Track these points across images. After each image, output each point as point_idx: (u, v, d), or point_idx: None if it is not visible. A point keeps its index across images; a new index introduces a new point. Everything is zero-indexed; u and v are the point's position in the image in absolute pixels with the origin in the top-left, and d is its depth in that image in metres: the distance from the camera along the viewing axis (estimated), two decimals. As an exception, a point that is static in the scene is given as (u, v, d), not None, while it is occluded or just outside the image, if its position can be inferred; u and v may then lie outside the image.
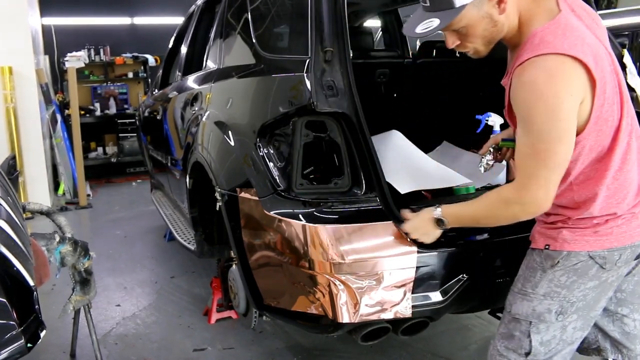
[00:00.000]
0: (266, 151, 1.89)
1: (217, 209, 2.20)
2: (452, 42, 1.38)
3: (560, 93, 1.20)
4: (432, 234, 1.57)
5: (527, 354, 1.40)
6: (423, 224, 1.56)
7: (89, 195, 6.08)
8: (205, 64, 2.88)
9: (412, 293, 1.73)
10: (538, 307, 1.39)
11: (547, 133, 1.23)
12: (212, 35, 2.90)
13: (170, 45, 4.12)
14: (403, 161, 2.27)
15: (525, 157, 1.28)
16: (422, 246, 1.71)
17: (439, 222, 1.52)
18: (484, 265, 1.85)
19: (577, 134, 1.27)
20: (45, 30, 7.34)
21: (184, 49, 3.49)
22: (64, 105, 6.80)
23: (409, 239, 1.63)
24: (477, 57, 1.44)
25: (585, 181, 1.33)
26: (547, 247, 1.38)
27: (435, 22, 1.29)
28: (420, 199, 2.07)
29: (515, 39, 1.34)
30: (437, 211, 1.51)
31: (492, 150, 1.68)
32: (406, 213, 1.65)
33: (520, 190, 1.30)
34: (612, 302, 1.50)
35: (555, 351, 1.42)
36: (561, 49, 1.20)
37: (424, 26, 1.31)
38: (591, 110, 1.25)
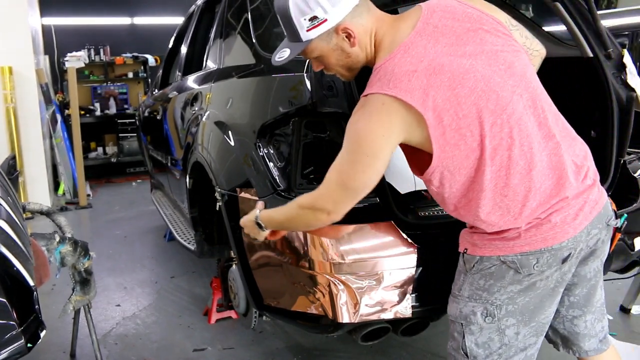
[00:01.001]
0: (266, 151, 1.89)
1: (217, 209, 2.20)
2: (316, 67, 1.47)
3: (374, 132, 1.26)
4: (259, 234, 1.60)
5: (466, 354, 1.41)
6: (249, 222, 1.60)
7: (89, 195, 6.08)
8: (205, 64, 2.89)
9: (412, 293, 1.73)
10: (464, 309, 1.41)
11: (353, 160, 1.30)
12: (212, 35, 2.90)
13: (170, 45, 4.12)
14: (403, 161, 2.27)
15: (331, 172, 1.34)
16: (422, 246, 1.71)
17: (258, 223, 1.56)
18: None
19: (429, 164, 1.30)
20: (45, 30, 7.34)
21: (184, 49, 3.49)
22: (64, 105, 6.80)
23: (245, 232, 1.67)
24: (346, 80, 1.52)
25: (469, 204, 1.32)
26: (465, 251, 1.41)
27: (287, 52, 1.40)
28: (420, 199, 2.08)
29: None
30: (257, 213, 1.57)
31: None
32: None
33: (315, 197, 1.38)
34: (564, 305, 1.49)
35: (500, 354, 1.39)
36: (383, 90, 1.25)
37: (280, 54, 1.41)
38: (430, 140, 1.26)
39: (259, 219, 1.56)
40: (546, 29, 2.70)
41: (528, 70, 1.35)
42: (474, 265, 1.37)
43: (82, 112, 7.05)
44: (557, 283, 1.38)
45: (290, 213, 1.47)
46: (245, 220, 1.62)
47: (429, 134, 1.25)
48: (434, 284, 1.79)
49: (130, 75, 7.94)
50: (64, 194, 6.11)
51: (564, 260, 1.33)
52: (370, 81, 1.32)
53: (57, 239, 2.09)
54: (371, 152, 1.28)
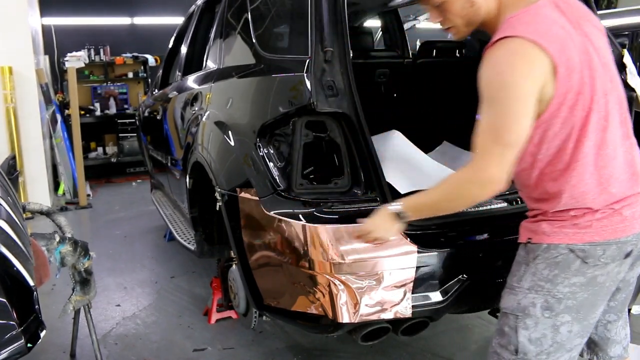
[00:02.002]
0: (266, 151, 1.89)
1: (217, 209, 2.20)
2: (434, 17, 1.45)
3: (519, 73, 1.25)
4: (392, 230, 1.54)
5: (516, 350, 1.39)
6: (382, 220, 1.53)
7: (89, 195, 6.08)
8: (205, 64, 2.89)
9: (412, 293, 1.73)
10: (523, 301, 1.39)
11: (503, 110, 1.27)
12: (212, 35, 2.90)
13: (170, 45, 4.12)
14: (403, 161, 2.28)
15: (481, 135, 1.31)
16: (422, 246, 1.71)
17: (398, 215, 1.50)
18: (483, 265, 1.85)
19: (539, 116, 1.30)
20: (45, 30, 7.34)
21: (184, 49, 3.49)
22: (64, 105, 6.80)
23: (369, 238, 1.59)
24: (459, 39, 1.51)
25: (556, 171, 1.33)
26: (529, 240, 1.39)
27: None
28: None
29: (493, 25, 1.39)
30: (396, 206, 1.50)
31: None
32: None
33: (476, 169, 1.33)
34: (604, 309, 1.48)
35: (548, 353, 1.38)
36: (525, 34, 1.25)
37: None
38: (553, 96, 1.28)
39: (404, 209, 1.48)
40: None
41: (617, 76, 1.42)
42: (539, 254, 1.36)
43: (82, 112, 7.05)
44: (612, 281, 1.38)
45: (450, 192, 1.41)
46: (377, 219, 1.54)
47: (555, 89, 1.27)
48: (433, 285, 1.79)
49: (130, 75, 7.94)
50: (64, 194, 6.11)
51: (627, 255, 1.35)
52: (502, 30, 1.30)
53: (57, 239, 2.08)
54: (522, 96, 1.26)
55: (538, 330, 1.37)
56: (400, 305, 1.71)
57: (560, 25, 1.31)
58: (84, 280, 2.24)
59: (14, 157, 4.95)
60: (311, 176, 1.89)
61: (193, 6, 3.66)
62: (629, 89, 2.02)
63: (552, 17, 1.31)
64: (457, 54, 3.30)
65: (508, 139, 1.28)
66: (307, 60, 1.78)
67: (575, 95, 1.29)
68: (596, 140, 1.31)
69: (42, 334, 1.38)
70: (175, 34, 4.06)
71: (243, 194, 1.98)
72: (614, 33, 2.31)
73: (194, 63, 3.26)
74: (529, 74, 1.25)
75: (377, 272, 1.69)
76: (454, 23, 1.44)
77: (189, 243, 2.99)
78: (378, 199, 1.77)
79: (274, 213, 1.81)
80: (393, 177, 1.99)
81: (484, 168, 1.31)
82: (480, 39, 3.29)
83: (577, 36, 1.32)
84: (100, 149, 7.76)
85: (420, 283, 1.74)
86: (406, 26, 5.21)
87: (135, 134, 6.63)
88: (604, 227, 1.32)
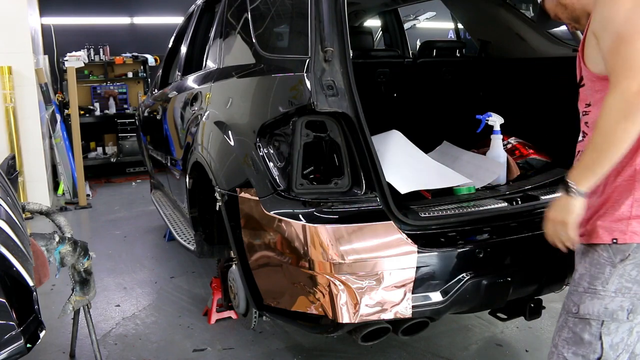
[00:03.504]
0: (266, 151, 1.89)
1: (217, 209, 2.20)
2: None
3: None
4: (575, 214, 1.33)
5: (599, 359, 1.33)
6: (561, 207, 1.35)
7: (88, 195, 6.08)
8: (205, 64, 2.88)
9: (412, 293, 1.73)
10: (610, 305, 1.33)
11: (629, 17, 1.23)
12: (212, 35, 2.90)
13: (170, 45, 4.12)
14: (403, 161, 2.27)
15: (617, 51, 1.23)
16: (422, 246, 1.71)
17: (568, 190, 1.32)
18: (484, 266, 1.85)
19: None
20: (45, 30, 7.34)
21: (183, 49, 3.49)
22: (63, 105, 6.80)
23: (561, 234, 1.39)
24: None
25: None
26: (614, 241, 1.32)
27: None
28: (420, 199, 2.07)
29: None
30: (571, 189, 1.31)
31: None
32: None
33: (620, 84, 1.21)
34: None
35: (617, 357, 1.35)
36: None
37: None
38: None
39: (575, 185, 1.31)
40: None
41: None
42: (629, 255, 1.30)
43: (82, 112, 7.05)
44: None
45: (606, 138, 1.24)
46: (559, 213, 1.35)
47: None
48: (433, 285, 1.79)
49: (130, 75, 7.94)
50: (63, 194, 6.11)
51: None
52: None
53: (57, 239, 2.08)
54: None
55: (618, 335, 1.34)
56: (400, 305, 1.71)
57: None
58: (84, 281, 2.24)
59: (13, 157, 4.93)
60: (311, 176, 1.89)
61: (193, 6, 3.66)
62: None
63: None
64: (457, 54, 3.30)
65: None
66: (307, 60, 1.78)
67: None
68: None
69: (42, 334, 1.38)
70: (175, 34, 4.06)
71: (243, 194, 1.98)
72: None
73: (193, 63, 3.26)
74: None
75: (377, 272, 1.68)
76: (569, 23, 1.49)
77: (188, 243, 2.99)
78: (378, 199, 1.77)
79: (274, 213, 1.81)
80: (393, 177, 1.99)
81: (629, 78, 1.19)
82: (479, 39, 3.29)
83: None
84: (99, 149, 7.76)
85: (420, 283, 1.74)
86: (406, 26, 5.21)
87: (134, 134, 6.63)
88: None
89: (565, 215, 1.34)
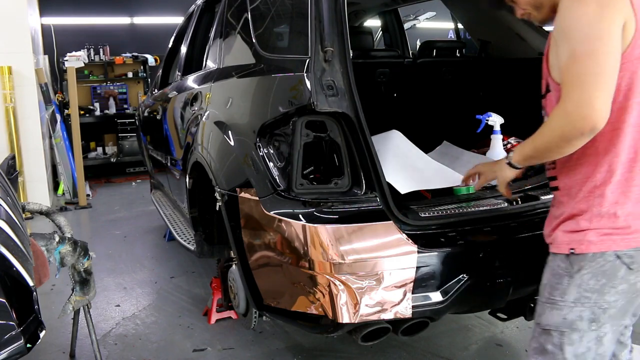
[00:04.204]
0: (266, 151, 1.89)
1: (217, 209, 2.20)
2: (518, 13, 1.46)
3: (603, 1, 1.21)
4: (505, 173, 1.51)
5: None
6: (498, 166, 1.54)
7: (88, 195, 6.08)
8: (205, 64, 2.88)
9: (412, 293, 1.73)
10: (569, 315, 1.33)
11: (588, 34, 1.21)
12: (212, 35, 2.90)
13: (170, 45, 4.12)
14: (403, 161, 2.27)
15: (568, 68, 1.23)
16: (422, 246, 1.71)
17: (510, 164, 1.47)
18: (484, 265, 1.85)
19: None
20: (45, 30, 7.34)
21: (183, 49, 3.49)
22: (63, 105, 6.80)
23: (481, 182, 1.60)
24: (539, 24, 1.51)
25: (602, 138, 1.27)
26: (572, 251, 1.33)
27: None
28: (420, 199, 2.07)
29: None
30: (509, 155, 1.47)
31: None
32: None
33: (566, 102, 1.23)
34: None
35: None
36: None
37: None
38: (628, 45, 1.23)
39: (514, 161, 1.46)
40: (546, 28, 2.70)
41: None
42: (585, 265, 1.31)
43: (82, 112, 7.05)
44: None
45: (550, 137, 1.29)
46: (492, 163, 1.53)
47: (632, 39, 1.22)
48: (433, 285, 1.79)
49: (130, 75, 7.94)
50: (63, 194, 6.11)
51: None
52: None
53: (57, 239, 2.08)
54: (607, 18, 1.20)
55: (583, 345, 1.33)
56: (400, 305, 1.71)
57: None
58: (84, 281, 2.24)
59: (13, 157, 4.93)
60: (311, 176, 1.89)
61: (193, 6, 3.66)
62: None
63: None
64: (457, 54, 3.30)
65: (598, 64, 1.19)
66: (307, 60, 1.78)
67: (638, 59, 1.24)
68: (635, 121, 1.27)
69: (42, 334, 1.38)
70: (175, 34, 4.06)
71: (243, 194, 1.98)
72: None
73: (193, 63, 3.26)
74: (613, 4, 1.21)
75: (377, 272, 1.68)
76: (524, 10, 1.45)
77: (188, 243, 2.99)
78: (378, 199, 1.77)
79: (274, 213, 1.81)
80: (393, 177, 1.99)
81: (576, 101, 1.20)
82: (479, 39, 3.29)
83: None
84: (99, 149, 7.77)
85: (420, 283, 1.73)
86: (406, 26, 5.21)
87: (134, 134, 6.63)
88: None
89: (494, 173, 1.54)
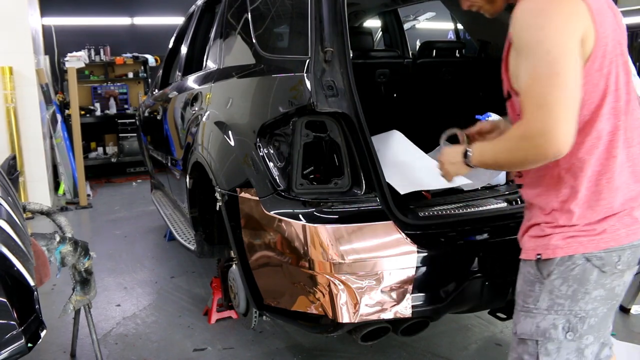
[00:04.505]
0: (266, 151, 1.89)
1: (217, 209, 2.21)
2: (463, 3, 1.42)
3: (562, 13, 1.14)
4: (458, 166, 1.43)
5: None
6: (454, 153, 1.43)
7: (89, 195, 6.08)
8: (205, 64, 2.89)
9: (412, 293, 1.73)
10: (542, 324, 1.28)
11: (547, 52, 1.13)
12: (212, 35, 2.90)
13: (170, 46, 4.12)
14: (403, 161, 2.28)
15: (529, 88, 1.16)
16: (422, 246, 1.71)
17: (465, 154, 1.39)
18: (483, 265, 1.85)
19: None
20: (46, 30, 7.34)
21: (184, 49, 3.49)
22: (64, 105, 6.80)
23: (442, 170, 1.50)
24: (490, 16, 1.47)
25: (581, 160, 1.23)
26: (539, 256, 1.28)
27: None
28: (420, 199, 2.08)
29: None
30: (466, 148, 1.40)
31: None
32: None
33: (527, 124, 1.16)
34: None
35: None
36: None
37: None
38: (588, 59, 1.17)
39: (471, 154, 1.37)
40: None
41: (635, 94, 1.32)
42: (553, 270, 1.26)
43: (83, 112, 7.05)
44: (624, 288, 1.30)
45: (509, 147, 1.23)
46: (451, 151, 1.45)
47: (590, 53, 1.16)
48: (433, 285, 1.79)
49: (130, 75, 7.94)
50: (64, 194, 6.12)
51: None
52: None
53: (58, 239, 2.09)
54: (567, 33, 1.13)
55: (561, 356, 1.27)
56: (400, 305, 1.71)
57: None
58: (84, 280, 2.25)
59: (14, 157, 4.93)
60: (311, 176, 1.89)
61: (193, 6, 3.67)
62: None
63: None
64: (457, 54, 3.30)
65: (560, 83, 1.12)
66: (307, 60, 1.78)
67: (599, 71, 1.19)
68: (608, 127, 1.23)
69: (43, 334, 1.38)
70: (175, 34, 4.07)
71: (243, 194, 1.98)
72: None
73: (194, 63, 3.26)
74: (572, 16, 1.14)
75: (377, 272, 1.69)
76: (473, 1, 1.40)
77: (189, 243, 2.99)
78: (378, 199, 1.78)
79: (274, 213, 1.81)
80: (393, 177, 1.99)
81: (538, 122, 1.13)
82: (479, 39, 3.29)
83: (610, 12, 1.24)
84: (100, 149, 7.77)
85: (420, 283, 1.74)
86: (406, 26, 5.21)
87: (135, 134, 6.63)
88: (617, 231, 1.24)
89: (451, 167, 1.44)
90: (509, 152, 1.23)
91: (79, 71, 6.62)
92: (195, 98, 2.74)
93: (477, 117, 2.56)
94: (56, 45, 7.30)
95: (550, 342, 1.27)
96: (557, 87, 1.12)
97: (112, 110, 7.74)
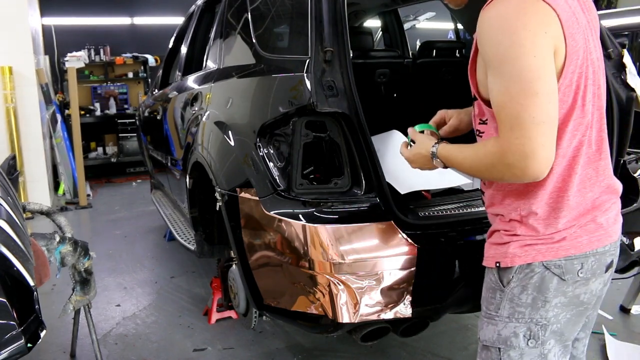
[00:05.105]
0: (266, 151, 1.89)
1: (217, 209, 2.20)
2: None
3: (531, 26, 1.06)
4: (426, 165, 1.43)
5: None
6: (422, 153, 1.41)
7: (89, 195, 6.08)
8: (205, 64, 2.89)
9: (412, 293, 1.73)
10: (503, 331, 1.25)
11: (520, 71, 1.06)
12: (212, 35, 2.90)
13: (170, 45, 4.12)
14: (403, 161, 2.27)
15: (503, 107, 1.09)
16: (422, 246, 1.71)
17: (432, 155, 1.37)
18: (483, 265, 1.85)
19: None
20: (46, 30, 7.34)
21: (184, 49, 3.49)
22: (64, 105, 6.80)
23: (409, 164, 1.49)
24: (456, 6, 1.39)
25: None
26: (498, 265, 1.26)
27: None
28: (420, 199, 2.08)
29: None
30: (436, 146, 1.36)
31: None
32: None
33: (503, 146, 1.10)
34: None
35: None
36: None
37: None
38: (559, 74, 1.11)
39: (438, 152, 1.34)
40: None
41: (604, 83, 1.28)
42: (512, 277, 1.23)
43: (82, 112, 7.06)
44: (594, 298, 1.27)
45: (478, 163, 1.20)
46: (418, 149, 1.42)
47: (563, 66, 1.10)
48: (433, 285, 1.79)
49: (130, 75, 7.95)
50: (64, 194, 6.12)
51: (608, 268, 1.24)
52: None
53: (57, 239, 2.09)
54: (538, 52, 1.05)
55: None
56: (400, 305, 1.71)
57: (574, 5, 1.15)
58: (84, 280, 2.25)
59: (14, 157, 4.93)
60: (311, 176, 1.89)
61: (193, 6, 3.66)
62: (629, 89, 2.02)
63: None
64: (457, 54, 3.30)
65: (535, 105, 1.05)
66: (307, 60, 1.78)
67: (568, 87, 1.14)
68: (575, 142, 1.18)
69: (42, 334, 1.38)
70: (175, 34, 4.07)
71: (243, 194, 1.98)
72: (614, 33, 2.31)
73: (194, 63, 3.26)
74: (542, 29, 1.06)
75: (377, 272, 1.69)
76: None
77: (189, 243, 2.99)
78: (378, 199, 1.77)
79: (274, 213, 1.81)
80: (393, 177, 1.99)
81: (513, 145, 1.08)
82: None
83: (583, 18, 1.18)
84: (100, 149, 7.77)
85: (420, 283, 1.74)
86: (406, 26, 5.21)
87: (135, 134, 6.63)
88: (578, 238, 1.19)
89: (418, 166, 1.44)
90: (485, 169, 1.18)
91: (79, 71, 6.62)
92: (195, 98, 2.74)
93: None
94: (56, 45, 7.30)
95: (512, 349, 1.25)
96: (538, 112, 1.06)
97: (112, 110, 7.74)
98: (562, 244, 1.19)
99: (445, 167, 1.36)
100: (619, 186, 1.31)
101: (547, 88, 1.06)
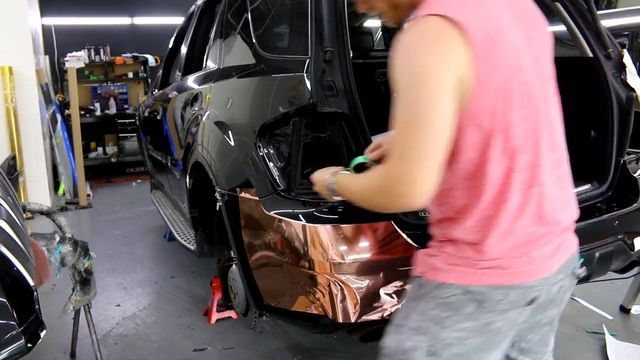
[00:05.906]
0: (266, 151, 1.89)
1: (217, 209, 2.21)
2: (360, 6, 1.29)
3: (429, 57, 1.03)
4: (325, 193, 1.38)
5: None
6: (321, 181, 1.38)
7: (89, 195, 6.08)
8: (205, 64, 2.89)
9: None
10: (406, 343, 1.19)
11: (413, 103, 1.03)
12: (212, 35, 2.90)
13: (170, 45, 4.12)
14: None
15: (395, 134, 1.07)
16: (422, 246, 1.71)
17: (330, 186, 1.33)
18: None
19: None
20: (46, 30, 7.35)
21: (184, 49, 3.49)
22: (64, 105, 6.81)
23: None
24: (394, 24, 1.31)
25: (465, 190, 1.14)
26: (422, 274, 1.21)
27: None
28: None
29: (419, 4, 1.15)
30: (332, 178, 1.32)
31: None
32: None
33: (388, 171, 1.07)
34: (515, 350, 1.30)
35: None
36: (444, 11, 1.03)
37: None
38: (470, 99, 1.05)
39: (334, 185, 1.31)
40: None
41: (553, 96, 1.22)
42: (430, 291, 1.17)
43: (82, 112, 7.06)
44: (510, 327, 1.19)
45: (364, 190, 1.17)
46: (319, 176, 1.41)
47: (473, 92, 1.04)
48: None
49: (130, 75, 7.95)
50: (64, 194, 6.12)
51: (529, 303, 1.17)
52: (422, 6, 1.10)
53: (57, 239, 2.09)
54: (432, 85, 1.02)
55: None
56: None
57: (495, 14, 1.09)
58: (84, 280, 2.25)
59: (14, 157, 4.93)
60: (311, 176, 1.89)
61: (193, 6, 3.67)
62: (629, 89, 2.02)
63: (493, 5, 1.09)
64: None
65: (422, 140, 1.03)
66: (307, 60, 1.78)
67: (489, 109, 1.07)
68: (500, 170, 1.11)
69: (42, 334, 1.38)
70: (175, 34, 4.07)
71: (243, 194, 1.98)
72: (614, 33, 2.31)
73: (194, 63, 3.27)
74: (441, 60, 1.02)
75: (377, 272, 1.69)
76: (379, 9, 1.25)
77: (189, 243, 2.99)
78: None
79: (274, 213, 1.81)
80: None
81: (396, 175, 1.05)
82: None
83: (516, 34, 1.11)
84: (100, 149, 7.78)
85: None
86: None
87: (135, 134, 6.63)
88: (508, 269, 1.13)
89: (320, 191, 1.41)
90: (369, 195, 1.15)
91: (79, 71, 6.62)
92: (195, 98, 2.74)
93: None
94: (56, 45, 7.30)
95: None
96: (421, 144, 1.03)
97: (112, 110, 7.74)
98: (489, 271, 1.13)
99: (337, 197, 1.32)
100: (564, 217, 1.20)
101: (437, 122, 1.03)
